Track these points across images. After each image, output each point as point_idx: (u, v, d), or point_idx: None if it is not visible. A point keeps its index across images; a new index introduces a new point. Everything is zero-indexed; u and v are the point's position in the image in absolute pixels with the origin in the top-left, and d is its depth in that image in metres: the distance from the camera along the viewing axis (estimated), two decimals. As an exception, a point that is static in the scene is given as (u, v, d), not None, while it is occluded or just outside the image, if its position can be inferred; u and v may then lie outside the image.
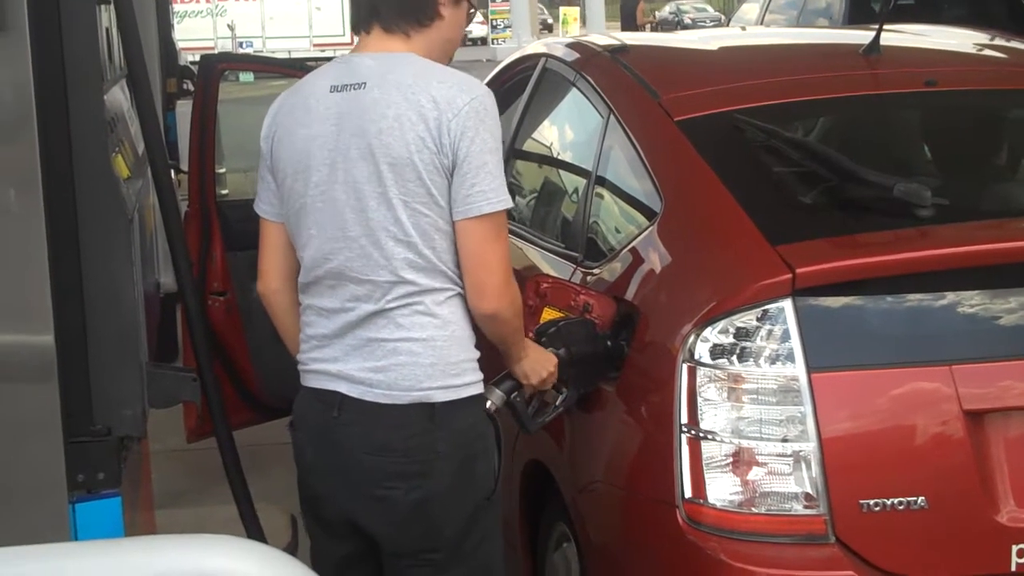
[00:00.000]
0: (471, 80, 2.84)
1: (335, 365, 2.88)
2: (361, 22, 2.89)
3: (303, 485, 3.03)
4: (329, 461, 2.91)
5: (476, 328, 2.91)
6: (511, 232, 4.20)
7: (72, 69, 2.63)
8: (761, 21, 12.79)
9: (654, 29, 31.55)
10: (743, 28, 10.89)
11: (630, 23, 27.84)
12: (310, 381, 2.95)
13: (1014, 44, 4.34)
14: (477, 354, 2.91)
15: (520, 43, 26.88)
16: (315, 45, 32.39)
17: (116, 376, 2.74)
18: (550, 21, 41.66)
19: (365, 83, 2.79)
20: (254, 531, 3.31)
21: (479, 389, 2.90)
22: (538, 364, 3.07)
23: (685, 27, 38.66)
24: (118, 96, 3.38)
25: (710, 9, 48.26)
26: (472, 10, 2.98)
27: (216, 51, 26.54)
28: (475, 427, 2.89)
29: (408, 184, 2.76)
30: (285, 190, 2.89)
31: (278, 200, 2.93)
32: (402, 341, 2.82)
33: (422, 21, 2.87)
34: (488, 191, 2.78)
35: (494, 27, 36.18)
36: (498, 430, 2.98)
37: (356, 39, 2.97)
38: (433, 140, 2.74)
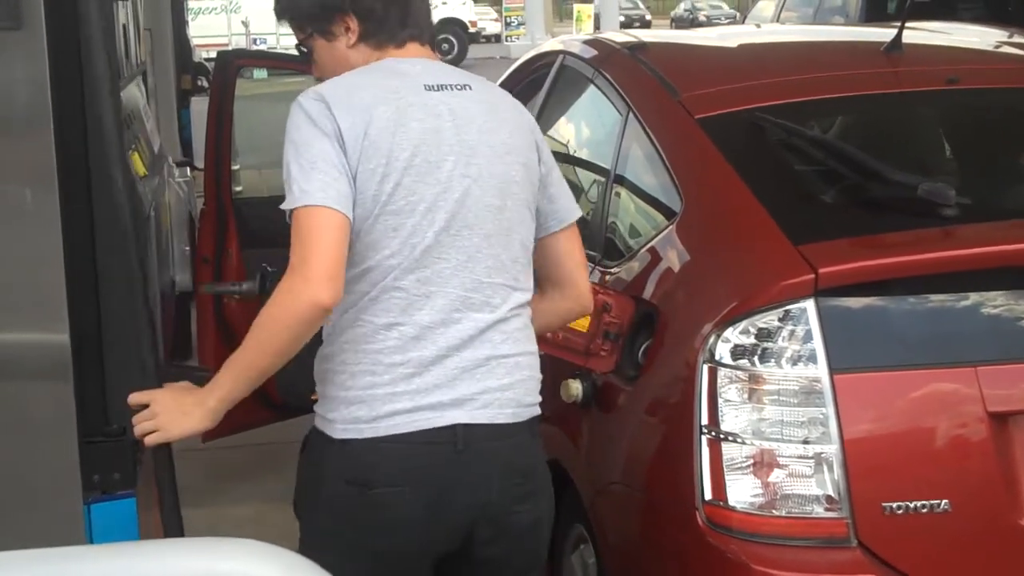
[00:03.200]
0: None
1: (449, 392, 2.60)
2: (396, 38, 2.76)
3: (387, 545, 2.64)
4: (453, 501, 2.62)
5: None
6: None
7: (89, 66, 2.61)
8: (777, 18, 12.76)
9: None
10: (758, 26, 10.86)
11: None
12: (406, 424, 2.59)
13: (1035, 42, 4.30)
14: None
15: (534, 40, 26.87)
16: (329, 42, 32.44)
17: (131, 376, 2.71)
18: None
19: (469, 85, 2.73)
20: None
21: None
22: None
23: (699, 24, 38.71)
24: (134, 93, 3.37)
25: (725, 6, 48.31)
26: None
27: (231, 48, 26.56)
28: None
29: (533, 188, 2.74)
30: (383, 184, 2.56)
31: (352, 194, 2.54)
32: (522, 355, 2.69)
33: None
34: (570, 198, 2.87)
35: (508, 24, 36.14)
36: None
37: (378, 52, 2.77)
38: (536, 151, 2.77)
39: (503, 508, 2.67)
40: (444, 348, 2.59)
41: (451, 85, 2.69)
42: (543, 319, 2.84)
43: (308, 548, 2.68)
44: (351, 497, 2.61)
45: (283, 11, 2.86)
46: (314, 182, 2.49)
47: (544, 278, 2.82)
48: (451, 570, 2.74)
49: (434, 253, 2.59)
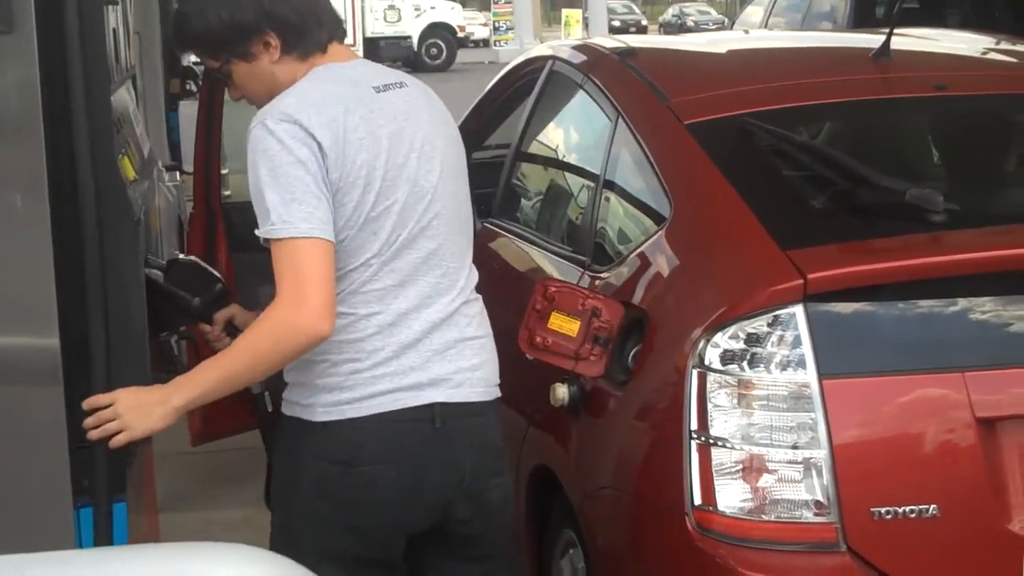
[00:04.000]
0: None
1: (424, 374, 2.73)
2: (321, 43, 2.78)
3: (370, 523, 2.76)
4: (433, 477, 2.76)
5: None
6: (520, 235, 4.20)
7: (79, 70, 2.61)
8: (765, 24, 12.77)
9: None
10: (746, 31, 10.88)
11: None
12: (388, 403, 2.71)
13: (1022, 47, 4.31)
14: None
15: (523, 45, 26.89)
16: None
17: (122, 380, 2.71)
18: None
19: (404, 82, 2.84)
20: None
21: None
22: None
23: (688, 30, 38.74)
24: (124, 97, 3.36)
25: (713, 12, 48.42)
26: None
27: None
28: None
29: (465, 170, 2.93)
30: (365, 194, 2.65)
31: (332, 213, 2.61)
32: (485, 338, 2.86)
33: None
34: None
35: (496, 29, 36.17)
36: None
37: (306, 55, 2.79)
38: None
39: (479, 483, 2.82)
40: (418, 332, 2.73)
41: (393, 84, 2.81)
42: None
43: (287, 536, 2.77)
44: (335, 477, 2.71)
45: (186, 43, 2.85)
46: (295, 212, 2.54)
47: None
48: (427, 547, 2.85)
49: (408, 247, 2.72)
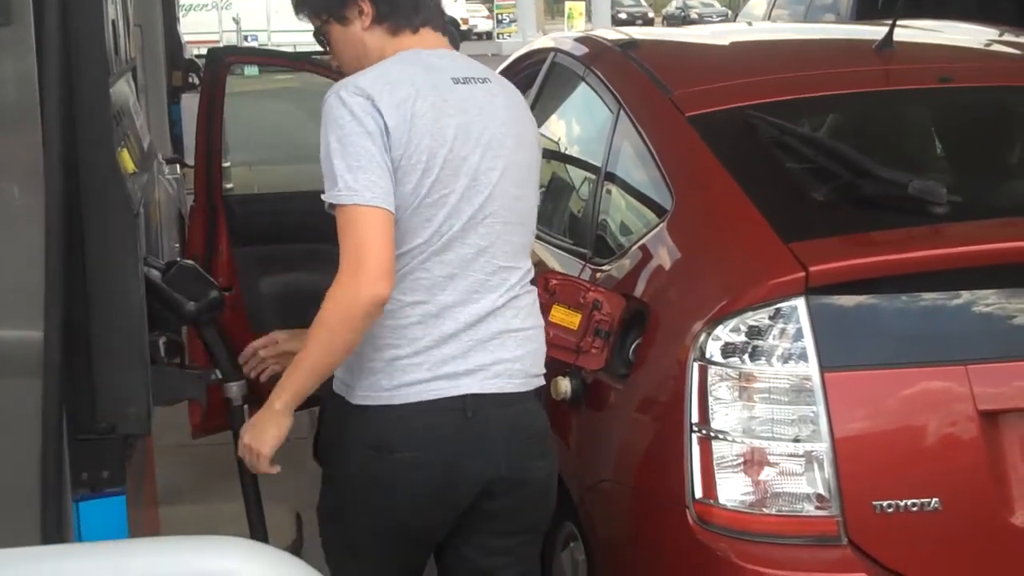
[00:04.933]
0: None
1: (463, 363, 2.77)
2: (412, 23, 2.87)
3: (408, 505, 2.83)
4: (467, 466, 2.80)
5: None
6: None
7: (78, 62, 2.59)
8: (768, 16, 12.75)
9: None
10: (749, 23, 10.85)
11: None
12: (423, 392, 2.76)
13: (1026, 40, 4.30)
14: None
15: (525, 38, 26.85)
16: (320, 39, 32.32)
17: (120, 374, 2.70)
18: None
19: (488, 78, 2.89)
20: (259, 532, 3.27)
21: None
22: None
23: (691, 22, 38.71)
24: (124, 89, 3.35)
25: (716, 4, 48.34)
26: None
27: (221, 44, 26.50)
28: None
29: (539, 176, 2.98)
30: (423, 179, 2.70)
31: (393, 189, 2.68)
32: (532, 329, 2.89)
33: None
34: None
35: (499, 21, 36.11)
36: None
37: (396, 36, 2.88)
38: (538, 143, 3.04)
39: (519, 469, 2.85)
40: (462, 324, 2.77)
41: (474, 79, 2.85)
42: None
43: (334, 508, 2.95)
44: (375, 462, 2.78)
45: (300, 4, 2.99)
46: (361, 180, 2.63)
47: None
48: (465, 521, 2.89)
49: (459, 240, 2.76)
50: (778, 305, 2.80)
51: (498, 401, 2.80)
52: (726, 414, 2.82)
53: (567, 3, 34.49)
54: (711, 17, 42.44)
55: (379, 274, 2.61)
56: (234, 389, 3.24)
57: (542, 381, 2.93)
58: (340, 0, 2.86)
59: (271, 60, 7.16)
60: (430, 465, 2.78)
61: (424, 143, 2.70)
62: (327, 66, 5.78)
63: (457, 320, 2.77)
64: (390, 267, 2.64)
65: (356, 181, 2.62)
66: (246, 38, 30.72)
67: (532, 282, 2.94)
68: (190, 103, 9.75)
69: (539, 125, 4.47)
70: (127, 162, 2.94)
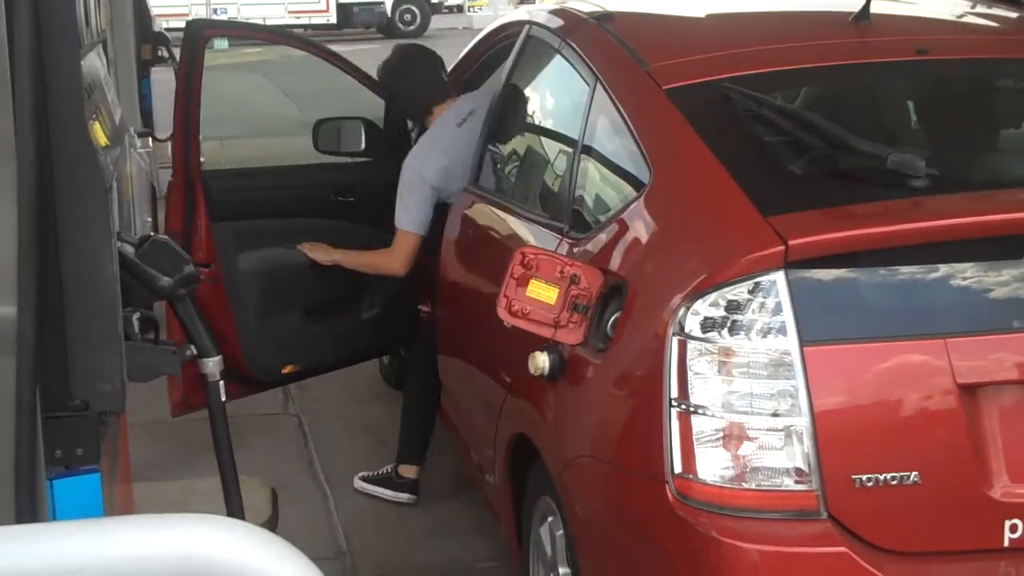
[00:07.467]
0: None
1: None
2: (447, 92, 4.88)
3: None
4: None
5: None
6: (497, 202, 4.17)
7: (48, 33, 2.55)
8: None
9: None
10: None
11: None
12: None
13: (1003, 12, 4.29)
14: None
15: (497, 11, 26.72)
16: (290, 12, 32.02)
17: (94, 350, 2.67)
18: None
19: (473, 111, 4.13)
20: (236, 509, 3.25)
21: None
22: None
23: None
24: (95, 62, 3.30)
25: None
26: None
27: (191, 17, 26.31)
28: None
29: None
30: None
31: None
32: None
33: None
34: None
35: (471, -6, 35.94)
36: None
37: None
38: None
39: None
40: None
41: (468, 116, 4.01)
42: None
43: None
44: None
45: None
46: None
47: None
48: None
49: None
50: (757, 279, 2.79)
51: None
52: (705, 389, 2.81)
53: (539, -24, 34.33)
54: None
55: (402, 264, 4.80)
56: (210, 365, 3.21)
57: None
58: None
59: (252, 34, 7.12)
60: None
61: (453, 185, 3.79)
62: (306, 40, 5.75)
63: None
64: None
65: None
66: (215, 11, 30.48)
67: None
68: (159, 76, 9.67)
69: (514, 100, 4.47)
70: (99, 135, 2.90)
